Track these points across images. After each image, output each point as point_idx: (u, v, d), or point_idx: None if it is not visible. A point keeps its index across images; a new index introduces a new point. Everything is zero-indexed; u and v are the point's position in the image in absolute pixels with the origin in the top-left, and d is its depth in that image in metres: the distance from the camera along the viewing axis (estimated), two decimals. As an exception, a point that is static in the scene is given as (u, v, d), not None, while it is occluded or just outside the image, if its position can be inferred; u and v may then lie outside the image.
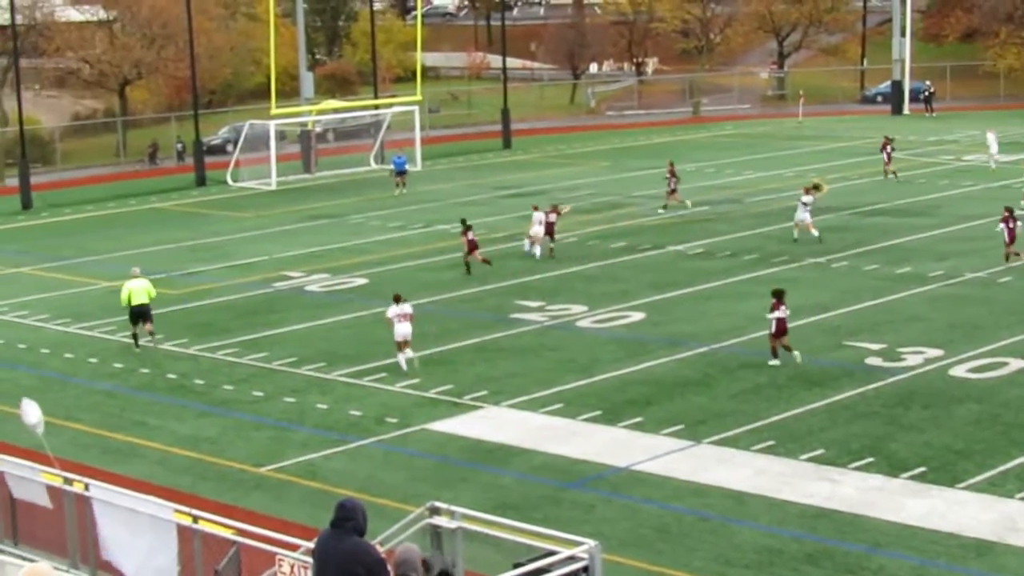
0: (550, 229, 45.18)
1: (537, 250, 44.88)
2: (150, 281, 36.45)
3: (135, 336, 35.62)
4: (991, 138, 61.54)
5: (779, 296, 31.67)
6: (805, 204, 45.48)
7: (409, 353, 32.37)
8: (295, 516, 23.49)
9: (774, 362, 31.47)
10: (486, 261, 42.37)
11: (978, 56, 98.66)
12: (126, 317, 35.75)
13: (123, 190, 67.86)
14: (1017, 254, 40.82)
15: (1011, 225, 40.77)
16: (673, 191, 52.76)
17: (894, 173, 58.45)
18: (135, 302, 35.33)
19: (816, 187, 47.36)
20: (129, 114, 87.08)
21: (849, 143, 72.44)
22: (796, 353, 31.37)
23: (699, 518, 22.94)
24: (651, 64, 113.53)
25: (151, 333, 35.67)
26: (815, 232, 45.07)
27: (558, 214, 46.05)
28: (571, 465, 25.78)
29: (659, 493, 24.14)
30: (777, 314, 31.47)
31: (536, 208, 46.18)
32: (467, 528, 14.92)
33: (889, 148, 58.86)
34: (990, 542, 21.38)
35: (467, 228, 42.61)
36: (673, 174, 52.90)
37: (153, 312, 35.66)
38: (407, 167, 62.96)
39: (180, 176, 71.96)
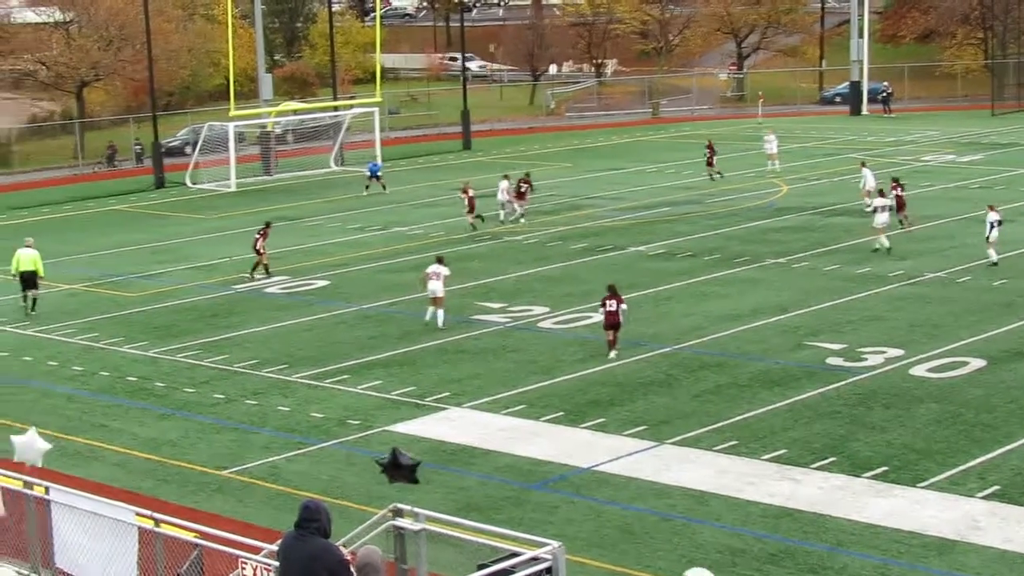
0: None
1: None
2: (40, 254, 40.48)
3: (25, 299, 39.82)
4: (772, 140, 64.50)
5: (611, 291, 32.70)
6: (881, 207, 43.81)
7: (438, 314, 35.82)
8: (258, 519, 23.36)
9: (612, 355, 32.47)
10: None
11: (935, 57, 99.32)
12: (51, 317, 35.63)
13: (81, 192, 67.57)
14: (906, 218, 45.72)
15: (899, 193, 45.91)
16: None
17: (719, 173, 61.28)
18: (22, 268, 39.81)
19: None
20: (87, 116, 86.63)
21: (808, 144, 72.69)
22: (613, 353, 32.37)
23: (662, 518, 22.92)
24: (610, 65, 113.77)
25: (34, 300, 39.70)
26: (884, 241, 43.42)
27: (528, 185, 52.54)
28: (534, 466, 25.74)
29: (622, 494, 24.12)
30: (607, 308, 32.45)
31: (506, 177, 53.28)
32: (431, 530, 14.85)
33: (710, 152, 61.76)
34: (952, 541, 21.44)
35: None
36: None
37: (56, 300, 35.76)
38: (380, 173, 63.01)
39: (139, 178, 71.57)
